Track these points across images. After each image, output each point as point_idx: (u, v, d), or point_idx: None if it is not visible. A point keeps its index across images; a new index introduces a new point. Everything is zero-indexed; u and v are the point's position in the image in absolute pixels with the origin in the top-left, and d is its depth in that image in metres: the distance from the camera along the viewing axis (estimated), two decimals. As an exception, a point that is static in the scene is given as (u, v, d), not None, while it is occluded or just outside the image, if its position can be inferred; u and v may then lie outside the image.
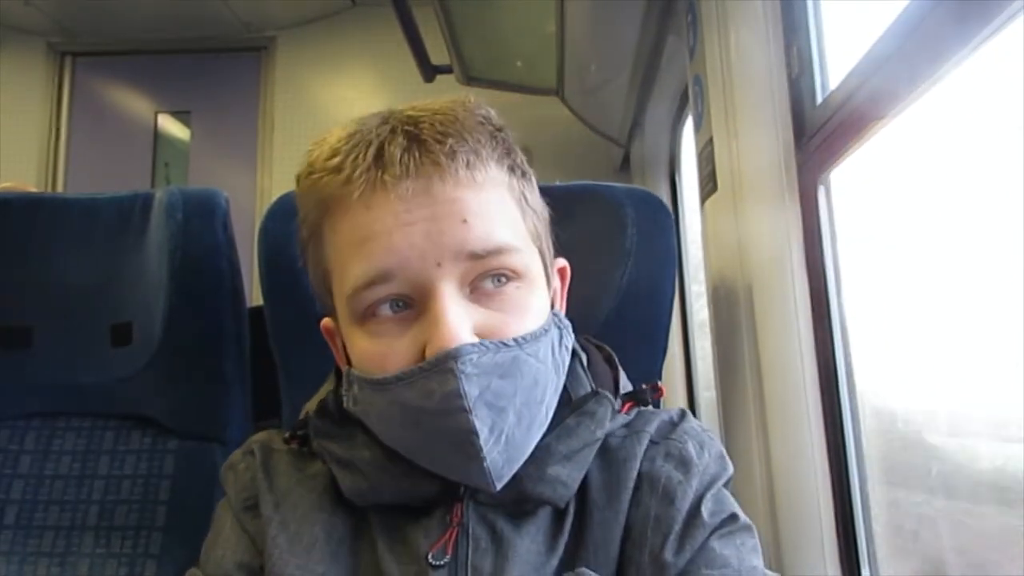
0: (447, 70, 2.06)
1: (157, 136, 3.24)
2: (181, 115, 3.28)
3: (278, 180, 3.04)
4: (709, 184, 1.11)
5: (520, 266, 0.56)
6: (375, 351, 0.54)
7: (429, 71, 2.08)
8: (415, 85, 2.20)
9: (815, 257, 0.93)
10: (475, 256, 0.53)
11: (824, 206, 0.93)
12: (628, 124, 2.20)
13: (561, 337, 0.59)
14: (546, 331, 0.56)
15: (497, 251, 0.54)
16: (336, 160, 0.55)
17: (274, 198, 0.91)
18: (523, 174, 0.61)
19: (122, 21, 3.07)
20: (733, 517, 0.60)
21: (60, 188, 3.15)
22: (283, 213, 0.88)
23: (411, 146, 0.54)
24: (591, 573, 0.56)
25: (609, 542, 0.58)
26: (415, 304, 0.54)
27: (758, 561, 0.59)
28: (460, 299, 0.53)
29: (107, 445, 0.96)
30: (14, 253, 0.99)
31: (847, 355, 0.91)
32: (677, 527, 0.58)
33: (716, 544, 0.58)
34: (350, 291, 0.54)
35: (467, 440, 0.51)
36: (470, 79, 2.08)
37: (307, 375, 0.88)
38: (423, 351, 0.52)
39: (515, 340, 0.53)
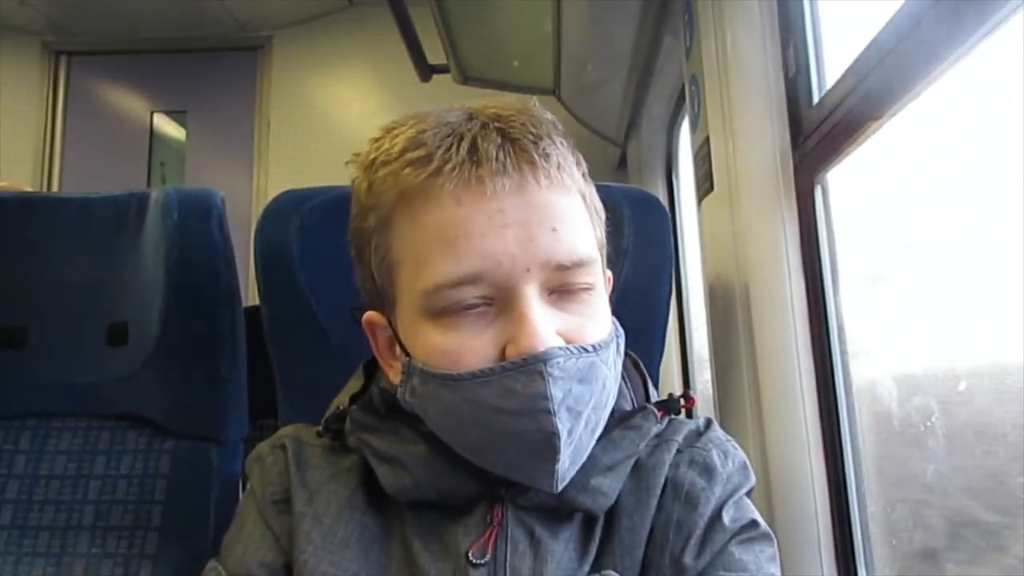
0: (444, 70, 2.06)
1: (153, 136, 3.23)
2: (177, 115, 3.27)
3: (274, 180, 3.03)
4: (705, 184, 1.11)
5: (594, 275, 0.57)
6: (449, 347, 0.54)
7: (426, 71, 2.08)
8: (412, 85, 2.19)
9: (811, 257, 0.93)
10: (561, 267, 0.54)
11: (820, 206, 0.93)
12: (625, 124, 2.21)
13: (619, 344, 0.59)
14: (612, 338, 0.57)
15: (580, 263, 0.55)
16: (421, 151, 0.54)
17: (270, 197, 0.91)
18: (590, 182, 0.61)
19: (117, 20, 3.06)
20: (753, 524, 0.61)
21: (55, 188, 3.14)
22: (279, 213, 0.88)
23: (505, 143, 0.54)
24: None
25: (635, 546, 0.59)
26: (494, 303, 0.54)
27: (775, 569, 0.60)
28: (542, 303, 0.53)
29: (103, 445, 0.96)
30: (9, 253, 0.98)
31: (843, 354, 0.91)
32: (698, 532, 0.59)
33: (735, 549, 0.59)
34: (431, 287, 0.53)
35: (547, 442, 0.51)
36: (467, 79, 2.08)
37: (303, 374, 0.88)
38: (503, 350, 0.52)
39: (593, 346, 0.54)
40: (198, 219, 0.96)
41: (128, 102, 3.26)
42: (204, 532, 0.91)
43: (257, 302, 0.90)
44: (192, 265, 0.95)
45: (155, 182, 3.18)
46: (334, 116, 3.10)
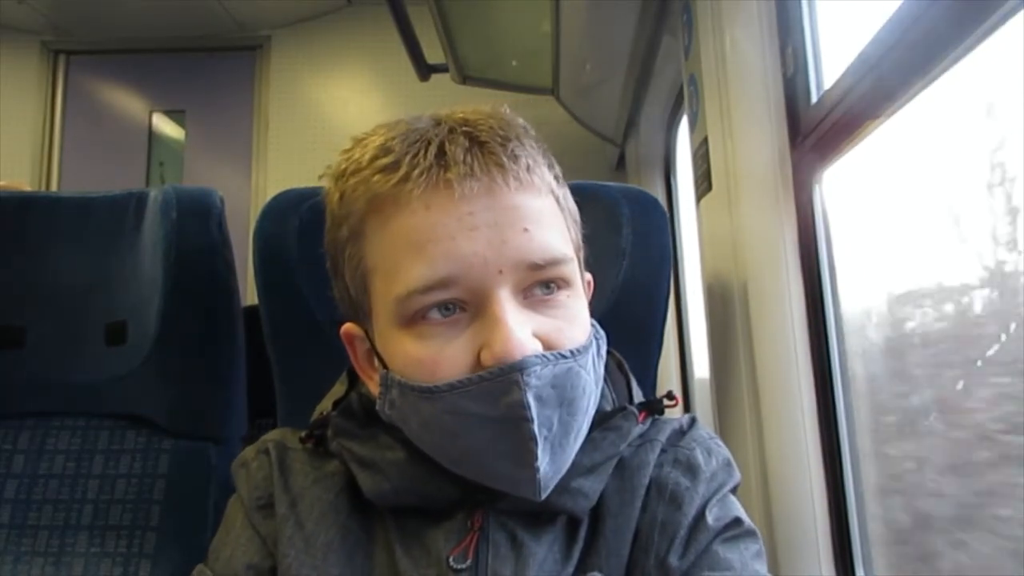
0: (443, 69, 2.06)
1: (151, 135, 3.23)
2: (176, 114, 3.26)
3: (273, 179, 3.03)
4: (704, 183, 1.12)
5: (571, 275, 0.56)
6: (424, 355, 0.53)
7: (424, 70, 2.07)
8: (410, 84, 2.20)
9: (810, 256, 0.93)
10: (535, 266, 0.53)
11: (819, 205, 0.93)
12: (623, 123, 2.20)
13: (599, 348, 0.59)
14: (592, 342, 0.57)
15: (554, 262, 0.54)
16: (390, 158, 0.54)
17: (269, 197, 0.91)
18: (563, 185, 0.61)
19: (116, 20, 3.06)
20: (737, 522, 0.60)
21: (54, 187, 3.13)
22: (278, 212, 0.88)
23: (472, 147, 0.54)
24: None
25: (620, 547, 0.59)
26: (468, 308, 0.53)
27: (761, 566, 0.59)
28: (517, 305, 0.53)
29: (101, 444, 0.96)
30: (7, 252, 0.99)
31: (842, 354, 0.91)
32: (683, 532, 0.59)
33: (720, 548, 0.58)
34: (403, 293, 0.53)
35: (525, 449, 0.51)
36: (466, 78, 2.08)
37: (302, 374, 0.88)
38: (477, 356, 0.52)
39: (571, 351, 0.53)
40: (197, 218, 0.96)
41: (127, 101, 3.25)
42: (203, 531, 0.91)
43: (256, 302, 0.90)
44: (191, 264, 0.95)
45: (154, 181, 3.18)
46: (333, 115, 3.10)
